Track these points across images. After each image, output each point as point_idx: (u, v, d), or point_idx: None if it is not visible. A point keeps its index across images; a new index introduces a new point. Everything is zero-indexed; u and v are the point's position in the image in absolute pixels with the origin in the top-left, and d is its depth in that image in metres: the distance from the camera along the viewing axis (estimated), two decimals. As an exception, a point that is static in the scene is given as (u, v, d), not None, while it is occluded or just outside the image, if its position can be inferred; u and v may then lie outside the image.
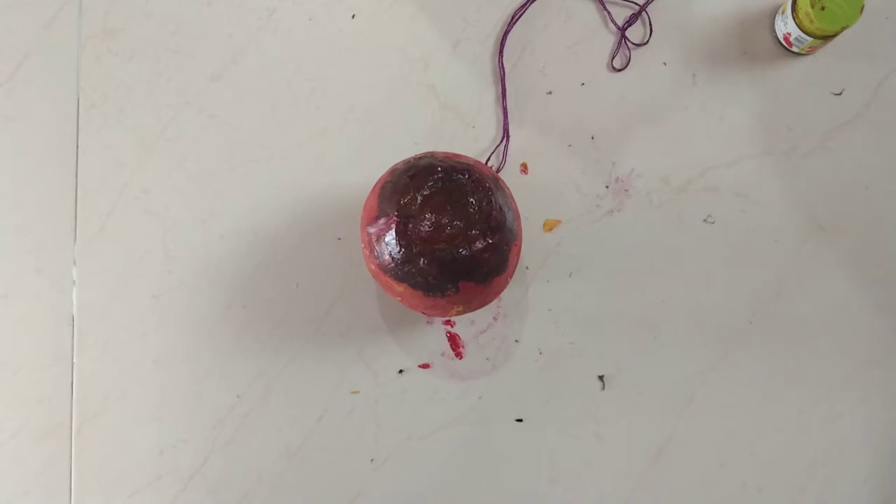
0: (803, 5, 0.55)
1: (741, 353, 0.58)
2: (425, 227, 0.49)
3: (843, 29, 0.54)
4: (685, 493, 0.57)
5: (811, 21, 0.54)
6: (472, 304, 0.51)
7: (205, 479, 0.57)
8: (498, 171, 0.59)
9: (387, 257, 0.49)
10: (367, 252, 0.51)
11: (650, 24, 0.60)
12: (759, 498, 0.57)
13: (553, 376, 0.58)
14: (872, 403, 0.58)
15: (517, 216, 0.52)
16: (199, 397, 0.58)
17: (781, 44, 0.60)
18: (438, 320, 0.58)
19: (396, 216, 0.49)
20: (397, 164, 0.51)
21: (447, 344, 0.58)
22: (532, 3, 0.61)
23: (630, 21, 0.60)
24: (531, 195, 0.59)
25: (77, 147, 0.60)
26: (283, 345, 0.58)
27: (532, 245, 0.59)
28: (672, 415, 0.58)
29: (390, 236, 0.49)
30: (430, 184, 0.49)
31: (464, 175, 0.50)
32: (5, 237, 0.59)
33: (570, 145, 0.60)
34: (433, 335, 0.58)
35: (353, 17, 0.61)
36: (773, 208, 0.59)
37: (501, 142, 0.59)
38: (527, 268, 0.59)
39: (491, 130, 0.60)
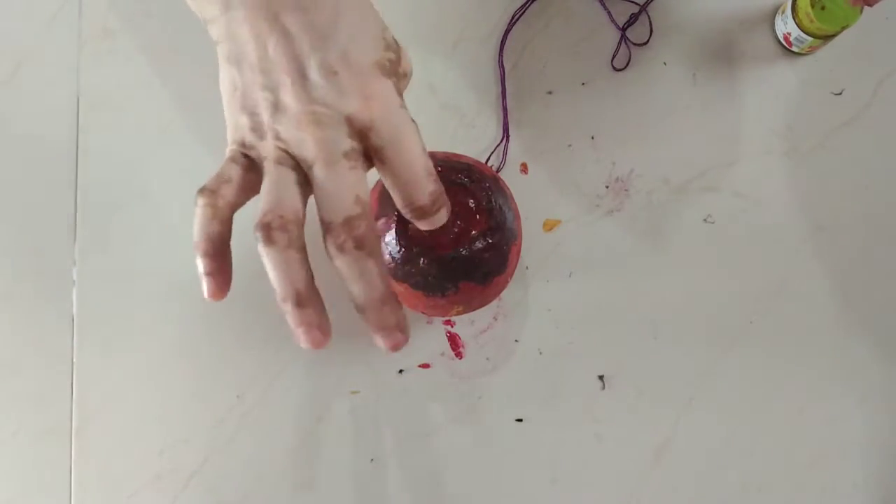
0: (803, 5, 0.55)
1: (741, 353, 0.58)
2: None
3: (843, 29, 0.54)
4: (685, 493, 0.57)
5: (811, 21, 0.54)
6: (472, 304, 0.51)
7: (205, 479, 0.57)
8: (498, 171, 0.59)
9: (387, 257, 0.49)
10: (367, 252, 0.51)
11: (651, 24, 0.60)
12: (759, 498, 0.57)
13: (553, 376, 0.58)
14: (872, 403, 0.58)
15: (517, 216, 0.52)
16: (199, 397, 0.58)
17: (781, 44, 0.60)
18: (438, 320, 0.58)
19: (396, 216, 0.49)
20: (397, 164, 0.51)
21: (447, 344, 0.58)
22: (532, 2, 0.61)
23: (630, 21, 0.60)
24: (531, 195, 0.58)
25: (77, 147, 0.60)
26: (283, 345, 0.58)
27: (532, 245, 0.59)
28: (672, 415, 0.58)
29: (390, 236, 0.49)
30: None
31: (463, 175, 0.50)
32: (5, 237, 0.59)
33: (570, 145, 0.60)
34: (433, 335, 0.58)
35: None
36: (773, 208, 0.59)
37: (501, 142, 0.59)
38: (527, 268, 0.59)
39: (491, 130, 0.60)
